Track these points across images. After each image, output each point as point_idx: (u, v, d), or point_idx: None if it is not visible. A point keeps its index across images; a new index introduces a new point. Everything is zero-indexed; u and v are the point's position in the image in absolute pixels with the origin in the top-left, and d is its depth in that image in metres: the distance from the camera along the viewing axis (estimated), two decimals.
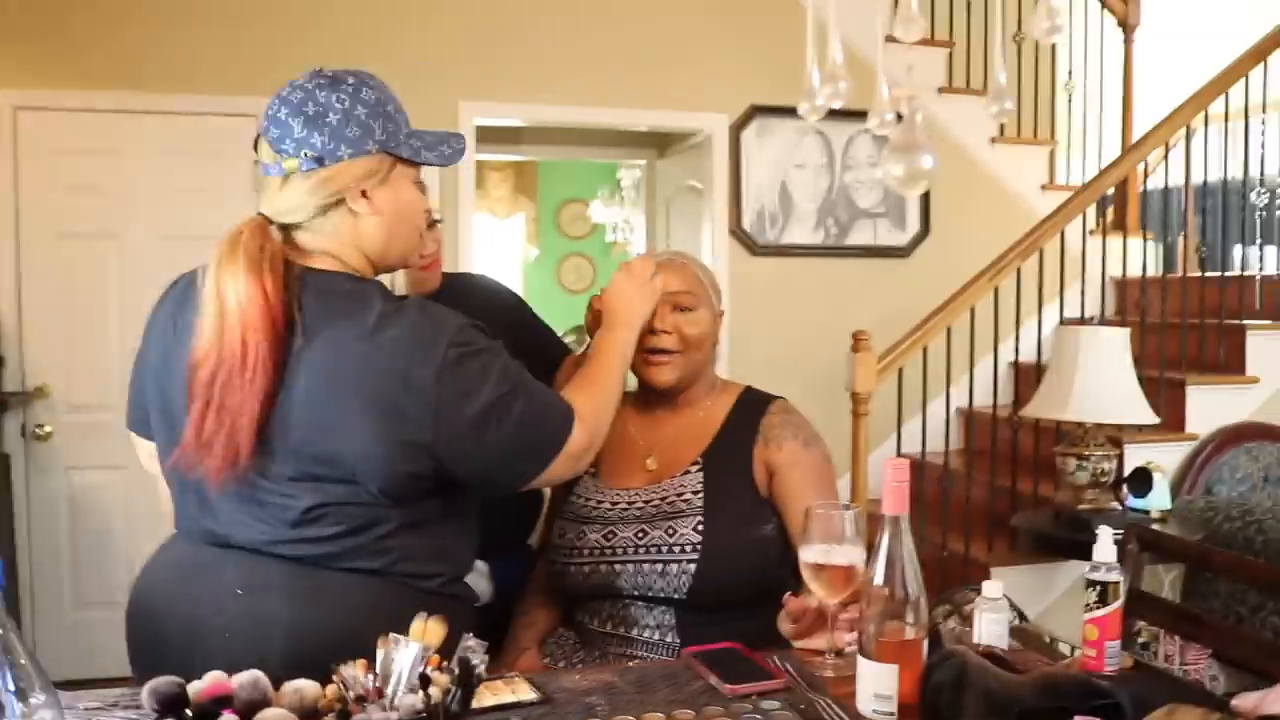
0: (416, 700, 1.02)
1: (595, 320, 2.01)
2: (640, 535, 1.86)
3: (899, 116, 1.51)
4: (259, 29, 4.40)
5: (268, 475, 1.44)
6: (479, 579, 2.06)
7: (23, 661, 0.92)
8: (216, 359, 1.41)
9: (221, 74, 4.35)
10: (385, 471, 1.43)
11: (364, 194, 1.50)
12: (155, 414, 1.55)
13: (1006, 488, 4.05)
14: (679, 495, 1.89)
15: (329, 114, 1.47)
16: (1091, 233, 4.57)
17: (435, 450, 1.44)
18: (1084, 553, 1.57)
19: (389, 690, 1.06)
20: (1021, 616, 2.06)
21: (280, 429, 1.42)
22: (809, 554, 1.50)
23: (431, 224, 2.15)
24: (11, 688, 0.90)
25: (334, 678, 1.06)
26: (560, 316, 2.46)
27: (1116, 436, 3.77)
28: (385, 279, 1.62)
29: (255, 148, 1.53)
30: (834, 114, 4.88)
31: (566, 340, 2.70)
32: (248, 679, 1.06)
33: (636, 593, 1.84)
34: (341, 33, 4.45)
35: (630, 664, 1.69)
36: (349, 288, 1.48)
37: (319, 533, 1.45)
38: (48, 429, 4.29)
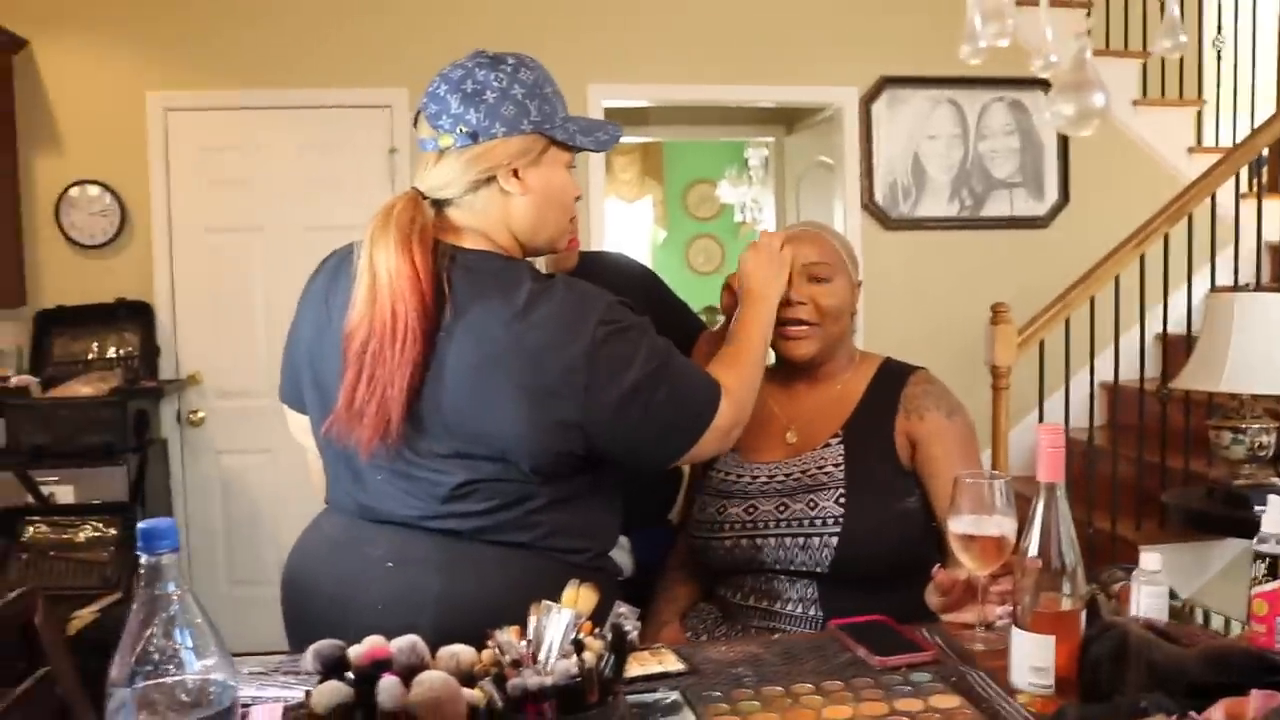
0: (571, 665, 1.03)
1: (732, 301, 2.00)
2: (781, 509, 1.85)
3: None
4: (389, 21, 4.50)
5: (419, 451, 1.47)
6: (620, 553, 2.07)
7: (199, 620, 0.96)
8: (368, 329, 1.44)
9: (355, 67, 4.48)
10: (536, 451, 1.44)
11: (515, 173, 1.51)
12: (308, 387, 1.59)
13: (1155, 463, 3.90)
14: (819, 468, 1.87)
15: (486, 91, 1.48)
16: (1244, 196, 4.35)
17: (586, 429, 1.45)
18: (1241, 530, 1.50)
19: (542, 656, 1.07)
20: (1173, 596, 1.98)
21: (431, 405, 1.44)
22: (959, 525, 1.47)
23: None
24: (190, 644, 0.95)
25: (489, 643, 1.08)
26: (690, 298, 2.44)
27: (1275, 409, 3.59)
28: None
29: (415, 124, 1.56)
30: (966, 81, 4.80)
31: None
32: (405, 643, 1.08)
33: (779, 566, 1.83)
34: (470, 20, 4.52)
35: (775, 636, 1.68)
36: (499, 267, 1.50)
37: (469, 508, 1.47)
38: (200, 414, 4.48)
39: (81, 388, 3.97)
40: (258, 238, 4.50)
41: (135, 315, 4.37)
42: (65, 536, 3.71)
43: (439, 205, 1.53)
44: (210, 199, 4.46)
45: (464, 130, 1.48)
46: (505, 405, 1.42)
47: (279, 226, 4.49)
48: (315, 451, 1.64)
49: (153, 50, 4.40)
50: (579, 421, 1.44)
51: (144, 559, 0.95)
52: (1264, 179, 4.64)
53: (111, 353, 4.28)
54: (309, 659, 1.07)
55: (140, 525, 0.94)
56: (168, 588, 0.95)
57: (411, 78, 4.43)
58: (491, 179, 1.51)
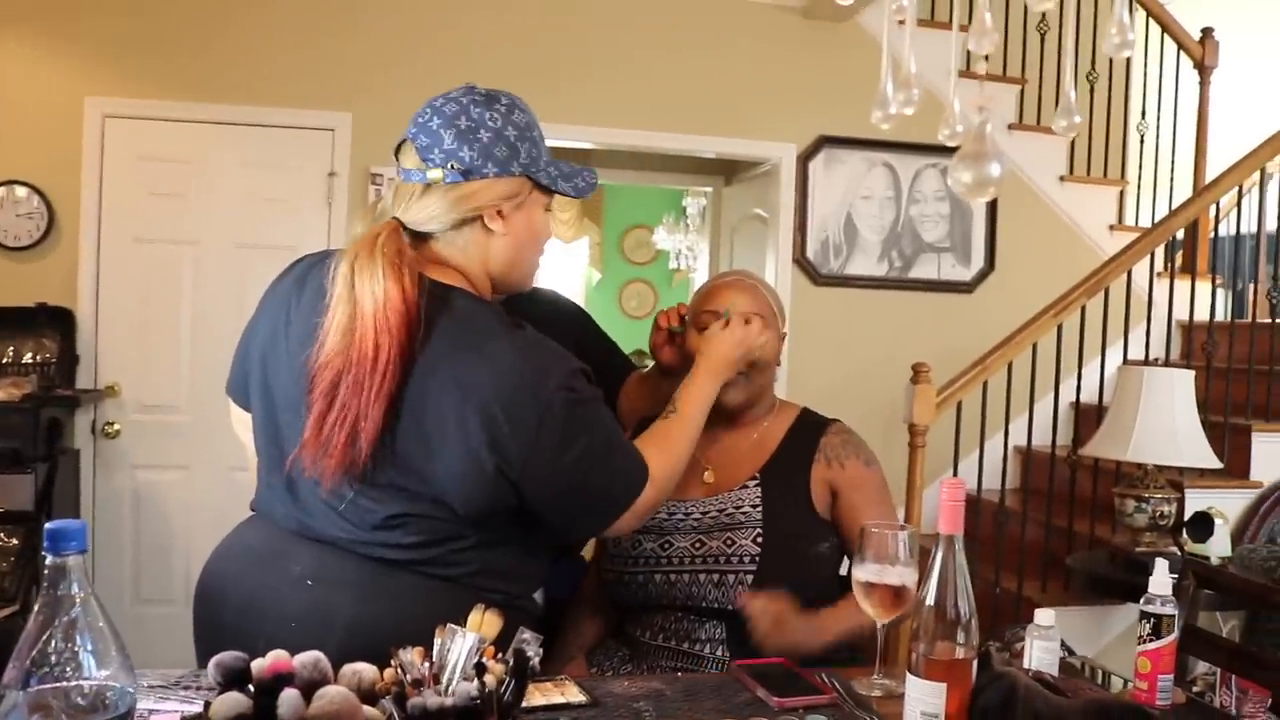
0: (471, 688, 1.04)
1: (661, 339, 2.04)
2: (697, 546, 1.88)
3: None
4: (338, 45, 4.50)
5: (359, 477, 1.46)
6: None
7: (100, 625, 0.95)
8: (344, 361, 1.42)
9: (300, 88, 4.46)
10: (472, 495, 1.45)
11: (500, 213, 1.53)
12: (256, 390, 1.58)
13: (1062, 527, 4.00)
14: (737, 508, 1.91)
15: (481, 130, 1.51)
16: (1159, 275, 4.52)
17: (520, 486, 1.46)
18: (1140, 595, 1.56)
19: (445, 677, 1.08)
20: (1071, 653, 2.04)
21: (385, 437, 1.44)
22: (862, 572, 1.51)
23: None
24: (90, 648, 0.94)
25: (391, 662, 1.09)
26: (622, 340, 2.47)
27: (1178, 480, 3.71)
28: None
29: (396, 154, 1.56)
30: (902, 146, 4.92)
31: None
32: (309, 659, 1.08)
33: (690, 603, 1.86)
34: (420, 54, 4.54)
35: (679, 675, 1.70)
36: (475, 309, 1.51)
37: (398, 539, 1.47)
38: (116, 426, 4.39)
39: None
40: (189, 251, 4.44)
41: (56, 321, 4.28)
42: None
43: (417, 237, 1.53)
44: (143, 209, 4.40)
45: (456, 167, 1.49)
46: (452, 446, 1.43)
47: (212, 241, 4.43)
48: (253, 449, 1.63)
49: (96, 55, 4.35)
50: (514, 478, 1.44)
51: (49, 559, 0.94)
52: (1178, 261, 4.81)
53: (28, 358, 4.19)
54: (212, 669, 1.07)
55: (48, 525, 0.94)
56: (71, 589, 0.95)
57: (356, 103, 4.44)
58: (477, 218, 1.52)
